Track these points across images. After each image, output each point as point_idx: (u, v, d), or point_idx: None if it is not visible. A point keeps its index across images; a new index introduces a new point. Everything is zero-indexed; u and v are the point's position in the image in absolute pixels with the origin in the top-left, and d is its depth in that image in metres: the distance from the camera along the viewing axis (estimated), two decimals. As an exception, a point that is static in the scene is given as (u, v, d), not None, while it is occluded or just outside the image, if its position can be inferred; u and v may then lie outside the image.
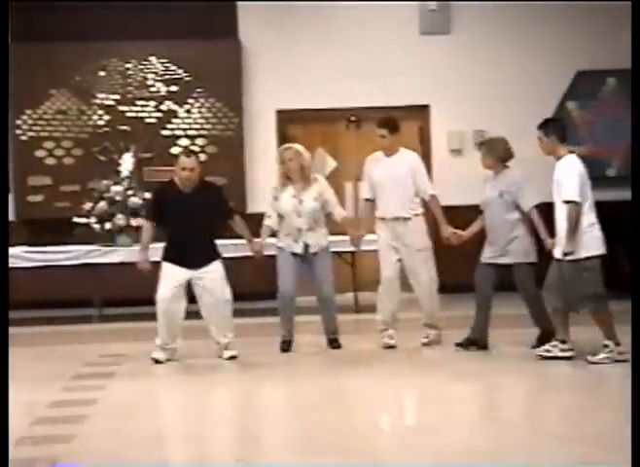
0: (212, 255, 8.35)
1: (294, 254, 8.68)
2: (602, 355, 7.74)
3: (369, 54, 12.55)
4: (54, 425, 6.25)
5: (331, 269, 8.82)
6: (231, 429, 6.20)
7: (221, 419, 6.46)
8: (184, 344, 8.70)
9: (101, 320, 10.97)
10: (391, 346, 8.84)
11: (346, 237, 10.42)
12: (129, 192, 11.11)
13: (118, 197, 11.06)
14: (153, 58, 12.40)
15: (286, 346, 8.84)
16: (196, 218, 8.19)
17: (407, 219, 8.79)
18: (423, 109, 12.72)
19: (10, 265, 10.45)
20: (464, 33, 12.65)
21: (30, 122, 12.29)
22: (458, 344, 8.60)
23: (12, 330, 10.41)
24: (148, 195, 10.27)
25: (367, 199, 9.05)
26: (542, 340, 8.45)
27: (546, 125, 8.03)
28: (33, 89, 12.20)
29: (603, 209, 11.66)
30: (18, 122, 12.26)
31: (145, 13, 12.29)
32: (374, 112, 12.59)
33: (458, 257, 10.58)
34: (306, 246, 8.66)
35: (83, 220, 11.09)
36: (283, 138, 12.64)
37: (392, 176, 8.79)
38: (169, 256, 8.31)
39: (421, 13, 12.64)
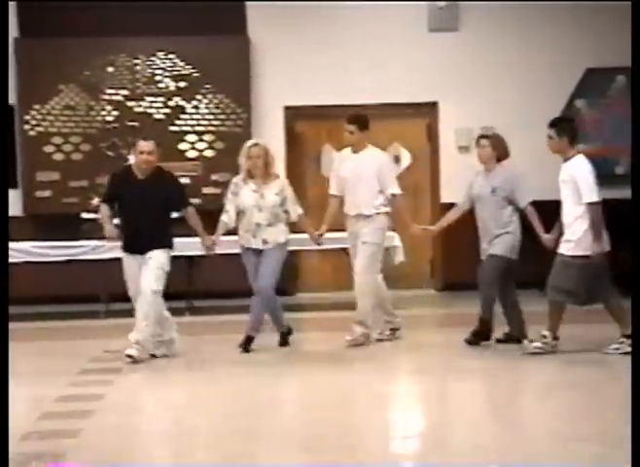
0: (160, 243, 8.27)
1: (253, 250, 8.58)
2: (537, 344, 8.03)
3: (377, 51, 12.54)
4: (61, 420, 6.27)
5: (279, 265, 8.59)
6: (235, 425, 6.19)
7: (226, 415, 6.45)
8: (190, 340, 8.71)
9: (108, 315, 10.99)
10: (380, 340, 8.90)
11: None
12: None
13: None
14: (161, 54, 12.41)
15: (285, 339, 8.84)
16: (148, 204, 8.19)
17: (367, 216, 8.75)
18: (431, 106, 12.73)
19: (18, 260, 10.52)
20: (472, 30, 12.63)
21: (39, 117, 12.30)
22: (498, 340, 8.67)
23: (19, 325, 10.49)
24: None
25: (333, 196, 8.99)
26: (478, 333, 8.59)
27: (560, 126, 8.09)
28: (41, 84, 12.22)
29: (611, 207, 11.69)
30: (27, 117, 12.27)
31: (154, 9, 12.30)
32: (383, 109, 12.62)
33: (462, 255, 10.59)
34: (264, 242, 8.55)
35: (90, 215, 11.08)
36: (290, 134, 12.67)
37: (357, 173, 8.76)
38: (124, 243, 8.35)
39: (430, 10, 12.63)
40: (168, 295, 8.74)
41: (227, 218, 8.61)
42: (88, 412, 6.44)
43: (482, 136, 8.87)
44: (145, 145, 8.31)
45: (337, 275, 12.41)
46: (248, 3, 12.52)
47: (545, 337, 8.06)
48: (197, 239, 9.15)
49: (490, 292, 8.58)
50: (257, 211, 8.52)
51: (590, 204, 7.83)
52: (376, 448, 5.59)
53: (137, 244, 8.24)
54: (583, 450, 5.34)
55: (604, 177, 12.39)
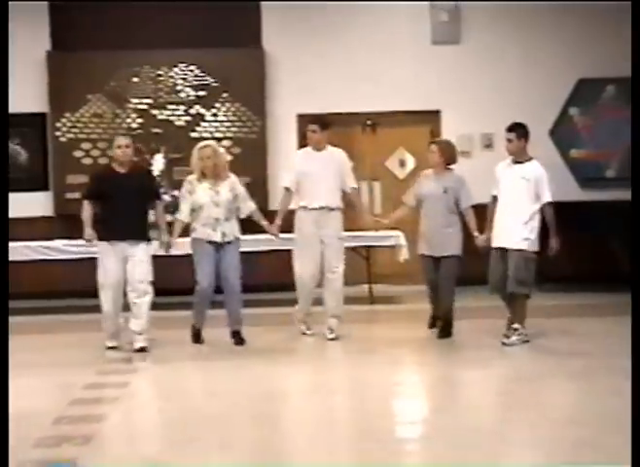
0: (142, 233, 8.42)
1: (210, 243, 8.55)
2: (514, 337, 8.22)
3: (384, 63, 12.55)
4: (89, 406, 6.31)
5: (239, 260, 8.64)
6: (253, 411, 6.21)
7: (243, 402, 6.48)
8: (208, 332, 8.73)
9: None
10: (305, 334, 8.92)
11: (362, 233, 10.51)
12: (160, 190, 11.12)
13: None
14: (182, 66, 12.43)
15: (197, 337, 8.69)
16: (130, 195, 8.31)
17: (331, 209, 8.84)
18: (434, 114, 12.72)
19: (49, 257, 10.59)
20: (473, 44, 12.63)
21: (69, 124, 12.35)
22: (429, 326, 8.96)
23: (51, 317, 10.61)
24: (177, 192, 10.30)
25: (287, 189, 9.03)
26: (447, 328, 8.72)
27: (518, 130, 8.36)
28: (72, 94, 12.26)
29: (603, 208, 11.75)
30: (58, 124, 12.32)
31: (175, 23, 12.34)
32: (389, 116, 12.65)
33: (464, 253, 10.61)
34: (223, 235, 8.55)
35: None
36: (303, 140, 12.67)
37: (321, 169, 8.85)
38: (105, 232, 8.36)
39: (433, 24, 12.63)
40: (189, 290, 8.79)
41: (182, 216, 8.66)
42: (114, 398, 6.49)
43: (432, 143, 9.16)
44: (122, 139, 8.52)
45: (347, 272, 12.42)
46: (263, 14, 12.55)
47: (517, 329, 8.25)
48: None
49: (453, 295, 8.74)
50: (214, 207, 8.52)
51: (550, 204, 8.18)
52: (387, 432, 5.61)
53: (120, 232, 8.30)
54: (579, 436, 5.35)
55: (595, 180, 12.52)
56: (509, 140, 8.34)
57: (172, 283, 9.98)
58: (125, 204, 8.28)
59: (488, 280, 8.37)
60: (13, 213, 11.76)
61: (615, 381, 6.43)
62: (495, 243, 8.30)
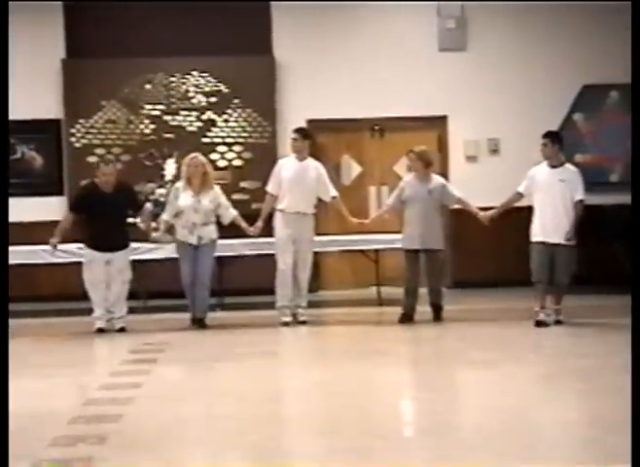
0: (122, 243, 9.45)
1: (189, 245, 9.39)
2: (562, 316, 9.05)
3: (392, 69, 12.55)
4: (104, 406, 6.30)
5: (212, 260, 9.56)
6: (263, 411, 6.20)
7: (253, 402, 6.47)
8: (219, 333, 8.72)
9: (146, 311, 11.02)
10: (286, 323, 9.42)
11: (371, 236, 10.53)
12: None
13: (162, 199, 11.11)
14: (194, 73, 12.47)
15: (194, 321, 9.49)
16: (114, 212, 9.31)
17: (305, 215, 9.53)
18: (441, 119, 12.72)
19: (64, 260, 10.58)
20: (479, 50, 12.63)
21: (83, 130, 12.38)
22: (400, 321, 9.37)
23: (66, 319, 10.61)
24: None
25: (272, 195, 9.64)
26: (440, 312, 9.50)
27: (552, 137, 9.20)
28: (86, 100, 12.30)
29: (607, 211, 11.72)
30: (73, 130, 12.35)
31: (188, 31, 12.38)
32: (397, 122, 12.65)
33: (472, 256, 10.60)
34: (199, 238, 9.35)
35: (130, 220, 11.10)
36: (313, 145, 12.65)
37: (302, 177, 9.51)
38: (91, 243, 9.36)
39: (440, 31, 12.63)
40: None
41: (166, 216, 9.57)
42: (129, 398, 6.48)
43: (410, 152, 9.75)
44: (106, 169, 9.40)
45: (355, 274, 12.43)
46: (274, 23, 12.56)
47: (559, 311, 9.07)
48: (227, 241, 9.97)
49: (441, 283, 9.60)
50: (193, 212, 9.35)
51: (580, 202, 9.00)
52: (393, 431, 5.59)
53: (105, 243, 9.29)
54: (587, 435, 5.31)
55: (600, 184, 12.49)
56: (544, 145, 9.11)
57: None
58: (109, 220, 9.25)
59: (532, 270, 8.97)
60: (29, 217, 11.85)
61: (621, 381, 6.39)
62: (540, 238, 8.98)
